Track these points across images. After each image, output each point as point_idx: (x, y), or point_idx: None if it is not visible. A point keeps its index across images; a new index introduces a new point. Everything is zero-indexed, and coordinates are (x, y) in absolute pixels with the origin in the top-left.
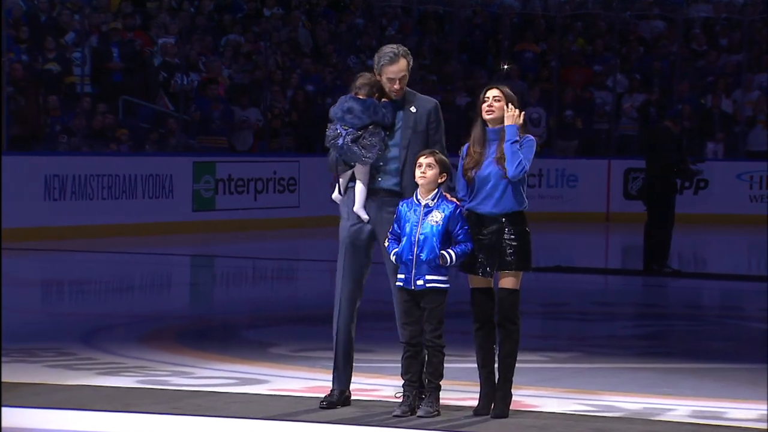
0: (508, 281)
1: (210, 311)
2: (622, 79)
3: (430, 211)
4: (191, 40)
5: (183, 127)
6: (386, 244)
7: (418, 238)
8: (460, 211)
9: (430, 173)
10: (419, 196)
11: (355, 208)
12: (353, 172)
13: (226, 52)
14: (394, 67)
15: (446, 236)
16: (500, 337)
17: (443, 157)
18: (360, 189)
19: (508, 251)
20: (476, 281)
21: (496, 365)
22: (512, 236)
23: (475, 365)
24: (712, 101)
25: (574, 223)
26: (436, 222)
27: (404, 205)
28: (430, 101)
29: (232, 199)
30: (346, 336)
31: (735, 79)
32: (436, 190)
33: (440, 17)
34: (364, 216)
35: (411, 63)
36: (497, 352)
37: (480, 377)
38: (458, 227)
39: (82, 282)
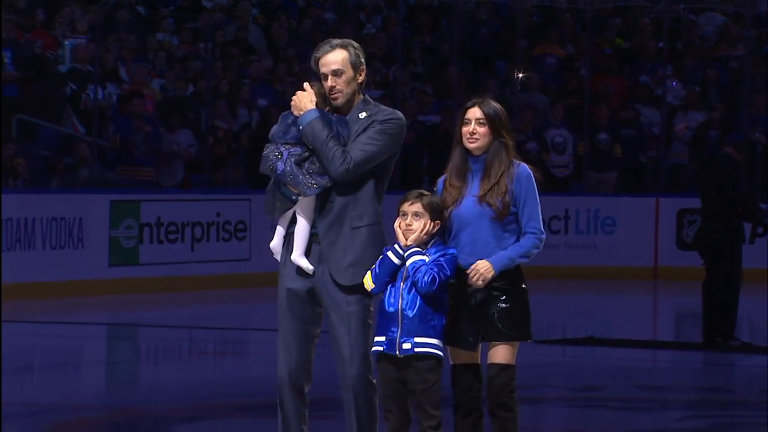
0: (499, 354)
1: (132, 399)
2: (674, 92)
3: (416, 254)
4: (108, 41)
5: (98, 155)
6: (366, 280)
7: (402, 289)
8: (454, 257)
9: (417, 224)
10: (402, 246)
11: (293, 257)
12: (294, 213)
13: (154, 57)
14: (327, 57)
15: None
16: (493, 429)
17: (433, 199)
18: (301, 231)
19: (499, 316)
20: (458, 355)
21: None
22: (503, 296)
23: None
24: None
25: (611, 280)
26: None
27: (389, 252)
28: (388, 111)
29: (162, 249)
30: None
31: None
32: (432, 241)
33: (435, 11)
34: (306, 266)
35: (358, 59)
36: None
37: None
38: (439, 256)
39: None
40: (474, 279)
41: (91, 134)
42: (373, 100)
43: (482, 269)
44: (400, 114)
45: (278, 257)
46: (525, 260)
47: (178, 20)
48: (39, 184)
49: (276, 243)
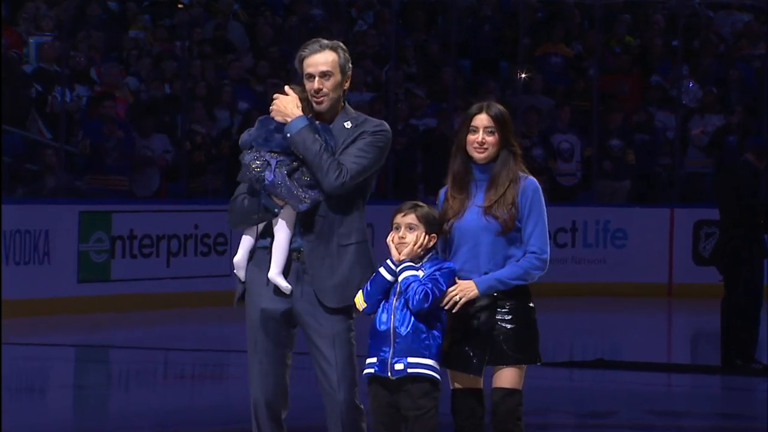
0: (505, 378)
1: (103, 425)
2: (690, 94)
3: (409, 269)
4: (77, 38)
5: (65, 162)
6: (357, 300)
7: (394, 306)
8: (451, 272)
9: (411, 237)
10: (394, 260)
11: (270, 275)
12: (265, 226)
13: (127, 57)
14: (315, 57)
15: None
16: None
17: (429, 210)
18: (281, 247)
19: (504, 337)
20: (460, 379)
21: None
22: (509, 315)
23: None
24: None
25: (622, 297)
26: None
27: (381, 268)
28: (375, 122)
29: (135, 264)
30: None
31: None
32: (428, 255)
33: (432, 7)
34: (284, 285)
35: (347, 64)
36: None
37: None
38: (434, 270)
39: None
40: (452, 294)
41: (58, 140)
42: (364, 103)
43: (465, 287)
44: (387, 125)
45: (242, 273)
46: (521, 282)
47: (153, 16)
48: (1, 194)
49: (240, 258)
